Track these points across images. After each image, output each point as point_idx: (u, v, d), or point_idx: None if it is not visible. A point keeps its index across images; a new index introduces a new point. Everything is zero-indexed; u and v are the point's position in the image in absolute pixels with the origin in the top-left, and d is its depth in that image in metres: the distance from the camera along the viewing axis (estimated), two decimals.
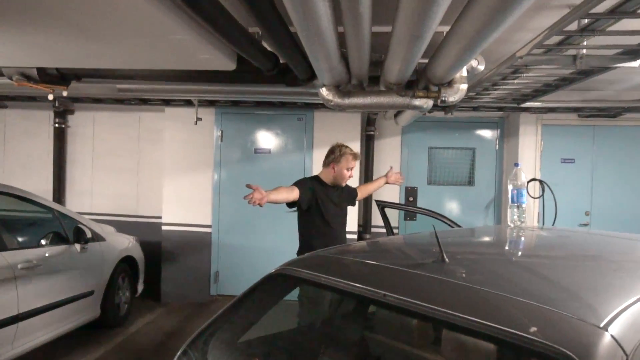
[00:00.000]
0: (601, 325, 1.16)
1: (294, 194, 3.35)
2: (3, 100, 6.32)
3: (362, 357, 2.05)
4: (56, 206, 4.65)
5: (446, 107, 5.14)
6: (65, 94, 3.93)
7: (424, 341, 2.01)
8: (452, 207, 6.17)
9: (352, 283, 1.55)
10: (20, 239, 4.16)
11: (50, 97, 3.94)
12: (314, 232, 3.52)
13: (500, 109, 5.57)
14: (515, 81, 4.09)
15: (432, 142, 6.21)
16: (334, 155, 3.57)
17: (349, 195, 3.77)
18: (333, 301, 2.31)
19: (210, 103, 5.63)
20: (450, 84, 3.42)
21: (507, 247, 2.34)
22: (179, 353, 1.93)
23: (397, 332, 2.10)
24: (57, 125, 6.39)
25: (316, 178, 3.64)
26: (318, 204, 3.46)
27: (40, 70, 3.65)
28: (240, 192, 5.84)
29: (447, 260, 1.63)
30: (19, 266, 3.64)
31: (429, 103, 3.70)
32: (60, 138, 6.44)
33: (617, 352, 1.09)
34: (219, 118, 5.94)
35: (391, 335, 2.11)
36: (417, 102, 3.64)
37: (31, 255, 3.84)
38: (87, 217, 5.24)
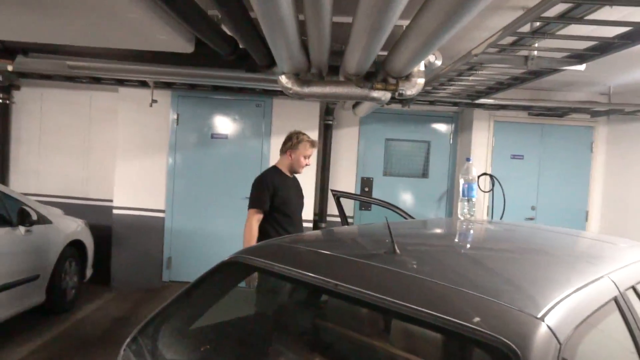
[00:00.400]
0: (538, 315, 1.22)
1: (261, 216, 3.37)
2: None
3: (313, 345, 2.08)
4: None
5: (403, 100, 5.23)
6: (10, 68, 3.75)
7: (374, 330, 2.07)
8: (406, 199, 6.30)
9: (305, 272, 1.56)
10: None
11: None
12: (275, 224, 3.44)
13: (455, 104, 5.70)
14: (470, 78, 4.20)
15: (388, 134, 6.30)
16: (291, 142, 3.56)
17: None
18: (286, 289, 2.32)
19: (167, 85, 5.49)
20: (408, 77, 3.47)
21: (456, 240, 2.42)
22: (127, 340, 1.90)
23: (348, 321, 2.15)
24: (0, 100, 6.06)
25: (274, 169, 3.60)
26: (279, 200, 3.40)
27: None
28: (195, 177, 5.84)
29: (398, 251, 1.67)
30: None
31: (387, 95, 3.73)
32: (3, 114, 6.13)
33: (552, 341, 1.16)
34: (175, 101, 5.81)
35: (342, 323, 2.15)
36: (375, 94, 3.68)
37: None
38: (32, 198, 5.03)
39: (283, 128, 5.82)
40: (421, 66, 3.48)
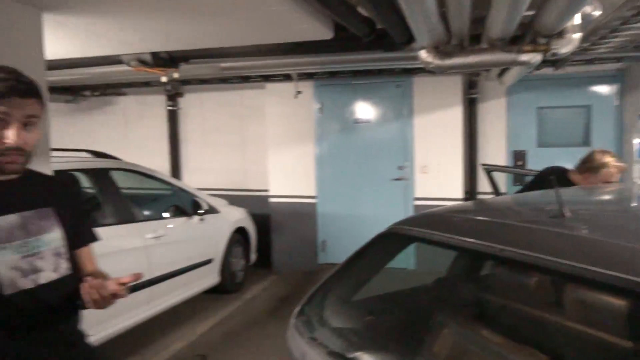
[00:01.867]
0: None
1: None
2: (121, 88, 6.91)
3: (478, 317, 2.02)
4: (175, 182, 5.05)
5: (556, 62, 4.78)
6: (176, 75, 4.22)
7: (544, 301, 1.95)
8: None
9: (467, 239, 1.53)
10: (146, 212, 4.58)
11: (164, 79, 4.24)
12: None
13: (619, 59, 5.06)
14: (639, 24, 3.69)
15: (540, 102, 5.82)
16: (591, 164, 3.14)
17: None
18: (445, 262, 2.30)
19: (309, 76, 5.73)
20: (560, 34, 3.18)
21: (633, 203, 2.17)
22: (295, 311, 2.05)
23: (514, 293, 2.05)
24: (170, 108, 6.88)
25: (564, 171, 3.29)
26: None
27: (154, 54, 3.95)
28: (342, 162, 6.02)
29: (567, 214, 1.55)
30: (147, 236, 4.03)
31: (537, 57, 3.46)
32: (173, 119, 6.95)
33: None
34: (317, 91, 6.03)
35: (508, 296, 2.06)
36: (524, 57, 3.43)
37: (157, 226, 4.22)
38: (201, 191, 5.63)
39: (425, 106, 5.74)
40: (576, 20, 3.16)
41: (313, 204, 6.20)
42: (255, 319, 4.71)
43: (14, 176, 1.39)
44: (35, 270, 1.39)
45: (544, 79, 5.68)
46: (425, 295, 2.26)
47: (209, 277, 4.97)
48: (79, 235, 1.55)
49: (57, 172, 1.65)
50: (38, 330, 1.42)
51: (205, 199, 5.13)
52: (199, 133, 7.01)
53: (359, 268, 2.03)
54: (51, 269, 1.43)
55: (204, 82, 6.10)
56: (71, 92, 6.69)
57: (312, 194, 6.19)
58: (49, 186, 1.55)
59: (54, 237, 1.45)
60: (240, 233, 5.63)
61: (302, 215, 6.23)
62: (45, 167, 2.46)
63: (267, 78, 5.91)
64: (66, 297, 1.47)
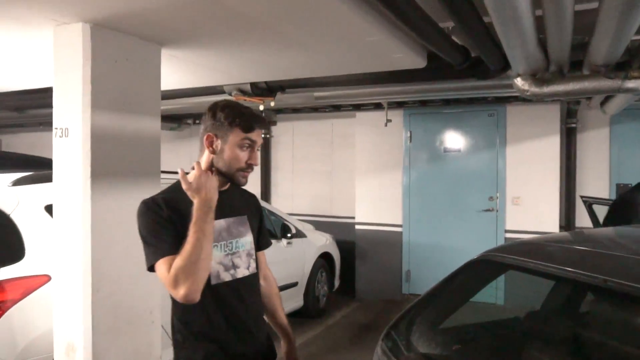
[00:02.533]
0: None
1: None
2: None
3: (573, 355, 1.91)
4: (266, 205, 5.25)
5: None
6: (272, 104, 4.45)
7: None
8: None
9: (565, 268, 1.48)
10: None
11: (261, 107, 4.48)
12: None
13: None
14: None
15: None
16: None
17: None
18: (540, 295, 2.20)
19: (399, 105, 5.77)
20: None
21: None
22: (382, 335, 2.06)
23: (615, 330, 1.92)
24: (263, 135, 7.16)
25: None
26: None
27: (252, 84, 4.21)
28: (429, 191, 5.95)
29: None
30: None
31: None
32: (265, 146, 7.26)
33: None
34: (407, 119, 6.05)
35: (609, 334, 1.93)
36: (631, 84, 3.25)
37: None
38: (290, 216, 5.80)
39: (519, 136, 5.55)
40: None
41: (399, 233, 6.15)
42: (336, 344, 4.71)
43: (224, 187, 1.70)
44: (234, 267, 1.69)
45: None
46: (516, 327, 2.17)
47: (294, 300, 5.07)
48: (260, 241, 1.86)
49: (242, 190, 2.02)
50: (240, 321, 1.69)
51: (293, 223, 5.28)
52: (289, 160, 7.26)
53: (448, 294, 2.01)
54: (245, 266, 1.73)
55: (296, 110, 6.35)
56: (175, 120, 7.24)
57: (399, 222, 6.15)
58: (245, 198, 1.87)
59: (248, 240, 1.76)
60: (325, 258, 5.70)
61: (388, 244, 6.20)
62: (156, 186, 2.70)
63: (357, 107, 6.04)
64: (254, 291, 1.77)
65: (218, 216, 1.63)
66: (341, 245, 6.13)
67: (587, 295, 2.14)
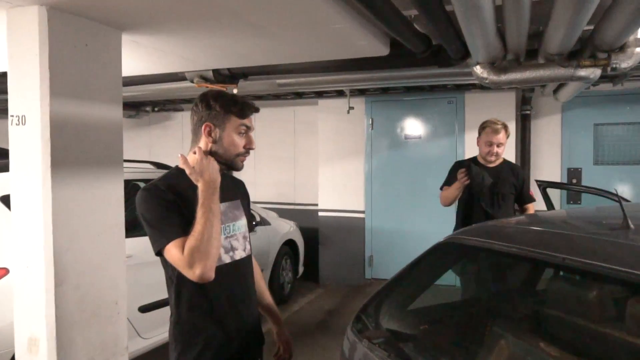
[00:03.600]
0: None
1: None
2: (180, 104, 7.22)
3: (535, 330, 2.01)
4: None
5: (615, 77, 4.67)
6: (235, 91, 4.38)
7: (605, 316, 1.92)
8: (624, 189, 5.58)
9: (528, 248, 1.55)
10: None
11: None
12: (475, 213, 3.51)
13: None
14: None
15: (598, 119, 5.68)
16: (479, 129, 3.59)
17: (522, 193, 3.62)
18: (499, 274, 2.30)
19: (361, 92, 5.82)
20: (622, 48, 3.14)
21: None
22: (352, 319, 2.10)
23: (573, 307, 2.03)
24: None
25: (473, 160, 3.64)
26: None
27: (215, 71, 4.14)
28: (391, 178, 6.05)
29: (632, 226, 1.55)
30: None
31: (597, 73, 3.42)
32: None
33: None
34: (369, 107, 6.12)
35: (566, 310, 2.04)
36: (583, 72, 3.40)
37: None
38: (253, 203, 5.78)
39: (477, 123, 5.66)
40: (639, 33, 3.12)
41: (362, 219, 6.24)
42: (302, 330, 4.76)
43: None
44: (232, 249, 1.76)
45: (601, 95, 5.56)
46: (479, 307, 2.26)
47: None
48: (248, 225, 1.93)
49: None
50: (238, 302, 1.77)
51: (257, 210, 5.28)
52: None
53: (415, 277, 2.07)
54: (242, 248, 1.81)
55: (258, 97, 6.30)
56: (134, 107, 7.04)
57: (361, 208, 6.24)
58: (236, 184, 1.99)
59: (242, 223, 1.85)
60: (289, 246, 5.73)
61: (351, 230, 6.28)
62: (120, 175, 2.64)
63: (320, 94, 6.05)
64: (249, 273, 1.86)
65: None
66: (305, 232, 6.17)
67: (544, 274, 2.26)
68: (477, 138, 3.60)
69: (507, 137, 3.56)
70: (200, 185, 1.60)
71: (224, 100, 1.72)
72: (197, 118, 1.75)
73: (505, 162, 3.66)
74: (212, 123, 1.71)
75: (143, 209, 1.61)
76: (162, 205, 1.59)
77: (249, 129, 1.77)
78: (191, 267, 1.51)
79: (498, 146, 3.49)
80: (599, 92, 5.48)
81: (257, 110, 1.81)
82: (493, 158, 3.53)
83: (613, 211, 1.75)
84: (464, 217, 3.57)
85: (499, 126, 3.48)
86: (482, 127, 3.54)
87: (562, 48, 3.18)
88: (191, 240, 1.52)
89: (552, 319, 2.06)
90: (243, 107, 1.74)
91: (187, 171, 1.62)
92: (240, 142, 1.75)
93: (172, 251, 1.54)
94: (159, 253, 1.60)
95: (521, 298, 2.13)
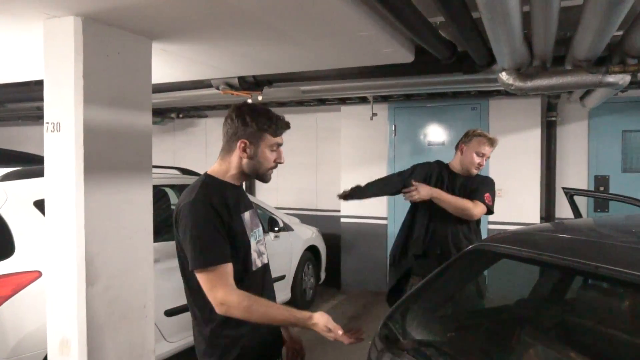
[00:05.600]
0: None
1: (389, 190, 3.40)
2: (204, 111, 7.32)
3: (564, 339, 1.99)
4: (253, 199, 5.26)
5: None
6: (260, 98, 4.44)
7: (637, 326, 1.89)
8: None
9: (559, 255, 1.54)
10: None
11: (249, 102, 4.47)
12: (417, 225, 3.21)
13: None
14: None
15: (626, 125, 5.56)
16: (467, 137, 3.23)
17: (477, 190, 3.12)
18: (529, 283, 2.27)
19: (384, 99, 5.82)
20: None
21: None
22: (379, 326, 2.10)
23: (604, 317, 2.00)
24: None
25: (439, 163, 3.38)
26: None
27: (240, 78, 4.19)
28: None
29: None
30: None
31: (626, 79, 3.38)
32: None
33: None
34: (392, 113, 6.11)
35: (597, 319, 2.01)
36: (611, 78, 3.35)
37: None
38: (277, 209, 5.81)
39: (501, 129, 5.64)
40: None
41: (384, 225, 6.22)
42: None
43: (239, 183, 1.86)
44: (261, 253, 1.86)
45: (630, 101, 5.45)
46: (507, 314, 2.24)
47: (282, 293, 5.09)
48: None
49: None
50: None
51: (280, 216, 5.30)
52: None
53: (443, 284, 2.06)
54: (266, 253, 1.92)
55: (282, 104, 6.35)
56: (159, 114, 7.17)
57: (384, 215, 6.22)
58: (245, 194, 2.00)
59: (261, 230, 1.94)
60: (311, 252, 5.75)
61: (373, 236, 6.27)
62: (149, 180, 2.69)
63: (343, 101, 6.07)
64: (271, 275, 1.98)
65: (243, 210, 1.82)
66: (327, 238, 6.18)
67: (573, 283, 2.23)
68: (462, 144, 3.23)
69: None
70: (318, 324, 1.69)
71: (260, 118, 1.77)
72: (232, 132, 1.79)
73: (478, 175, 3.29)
74: (248, 140, 1.76)
75: (191, 222, 1.65)
76: (212, 223, 1.65)
77: (280, 145, 1.84)
78: (220, 308, 1.62)
79: (486, 159, 3.20)
80: (628, 98, 5.38)
81: (288, 127, 1.86)
82: (477, 171, 3.20)
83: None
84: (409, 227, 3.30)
85: (494, 139, 3.20)
86: (475, 135, 3.19)
87: (591, 54, 3.15)
88: (254, 304, 1.62)
89: (583, 328, 2.03)
90: (277, 125, 1.80)
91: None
92: (272, 157, 1.82)
93: (214, 277, 1.62)
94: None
95: (551, 306, 2.10)
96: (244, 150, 1.76)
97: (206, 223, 1.64)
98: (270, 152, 1.80)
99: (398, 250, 3.35)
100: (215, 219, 1.65)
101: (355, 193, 3.37)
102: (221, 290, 1.60)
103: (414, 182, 3.12)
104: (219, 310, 1.62)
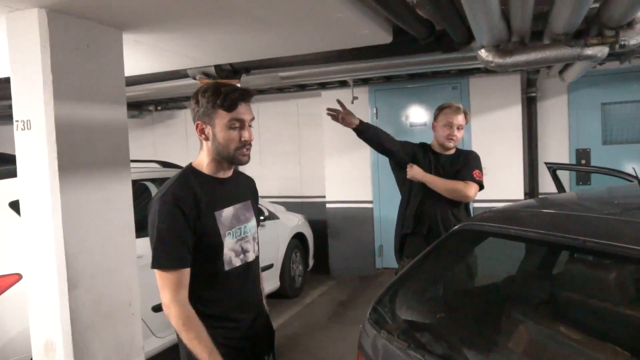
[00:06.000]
0: None
1: (390, 144, 3.21)
2: (183, 102, 7.20)
3: (554, 314, 1.99)
4: None
5: (622, 55, 4.61)
6: (238, 85, 4.36)
7: (624, 297, 1.89)
8: (636, 168, 5.51)
9: (547, 232, 1.53)
10: None
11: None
12: (410, 204, 3.22)
13: None
14: None
15: (605, 97, 5.61)
16: (435, 113, 3.19)
17: (464, 168, 3.07)
18: (515, 260, 2.27)
19: (364, 82, 5.78)
20: (630, 24, 3.08)
21: None
22: (369, 310, 2.09)
23: (591, 290, 2.00)
24: None
25: (424, 146, 3.30)
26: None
27: (217, 67, 4.10)
28: None
29: None
30: None
31: (604, 51, 3.37)
32: None
33: None
34: (372, 96, 6.07)
35: (585, 292, 2.01)
36: (590, 51, 3.34)
37: None
38: (261, 198, 5.76)
39: (482, 108, 5.65)
40: None
41: (370, 209, 6.22)
42: (316, 323, 4.76)
43: (229, 174, 1.75)
44: (244, 251, 1.75)
45: (608, 74, 5.49)
46: (496, 293, 2.24)
47: (270, 282, 5.08)
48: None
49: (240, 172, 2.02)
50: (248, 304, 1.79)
51: (265, 205, 5.26)
52: (255, 141, 7.13)
53: (431, 265, 2.05)
54: (252, 250, 1.80)
55: (261, 92, 6.27)
56: (137, 107, 7.03)
57: (369, 198, 6.22)
58: (248, 183, 1.95)
59: (253, 224, 1.83)
60: (298, 239, 5.72)
61: (359, 221, 6.27)
62: (127, 176, 2.62)
63: (323, 86, 6.01)
64: (258, 273, 1.89)
65: (226, 204, 1.70)
66: (313, 224, 6.16)
67: (560, 258, 2.23)
68: (434, 123, 3.19)
69: (467, 122, 3.17)
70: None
71: (210, 94, 1.61)
72: (192, 117, 1.70)
73: (459, 151, 3.25)
74: (201, 120, 1.65)
75: (157, 219, 1.58)
76: (177, 222, 1.58)
77: (242, 121, 1.64)
78: (168, 313, 1.60)
79: (458, 129, 3.07)
80: (606, 71, 5.42)
81: (248, 97, 1.67)
82: (452, 143, 3.09)
83: (627, 191, 1.72)
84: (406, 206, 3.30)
85: (459, 106, 3.11)
86: (440, 109, 3.14)
87: (568, 27, 3.13)
88: (188, 325, 1.57)
89: (572, 302, 2.03)
90: (229, 99, 1.60)
91: None
92: (233, 135, 1.64)
93: (167, 278, 1.58)
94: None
95: (539, 283, 2.10)
96: (202, 132, 1.65)
97: (169, 224, 1.57)
98: (229, 130, 1.62)
99: (399, 228, 3.45)
100: (179, 220, 1.57)
101: (371, 128, 3.42)
102: (168, 295, 1.58)
103: (409, 165, 3.12)
104: (164, 310, 1.61)
